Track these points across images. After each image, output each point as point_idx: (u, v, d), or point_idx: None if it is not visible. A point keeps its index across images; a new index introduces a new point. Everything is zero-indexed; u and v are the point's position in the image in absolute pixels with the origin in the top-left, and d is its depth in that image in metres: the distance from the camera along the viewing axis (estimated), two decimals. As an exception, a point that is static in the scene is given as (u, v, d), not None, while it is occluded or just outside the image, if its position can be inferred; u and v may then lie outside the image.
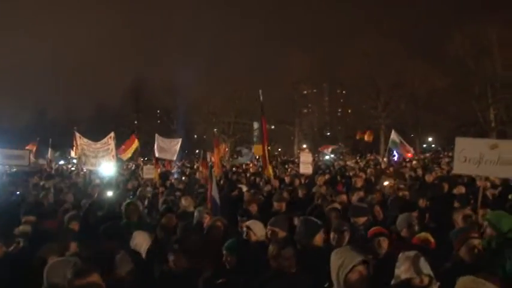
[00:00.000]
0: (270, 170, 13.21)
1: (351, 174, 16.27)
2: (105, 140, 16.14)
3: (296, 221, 6.52)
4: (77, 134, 16.98)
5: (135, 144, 23.92)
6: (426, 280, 3.53)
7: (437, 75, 49.27)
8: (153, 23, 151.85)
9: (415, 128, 54.27)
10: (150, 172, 17.37)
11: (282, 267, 4.30)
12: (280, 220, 5.93)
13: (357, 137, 36.46)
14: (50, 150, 27.84)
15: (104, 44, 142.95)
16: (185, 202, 8.72)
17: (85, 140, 16.74)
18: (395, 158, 25.27)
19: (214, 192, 8.55)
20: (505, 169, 6.89)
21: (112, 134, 16.02)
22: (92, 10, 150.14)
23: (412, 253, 3.68)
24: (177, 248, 4.59)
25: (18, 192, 12.25)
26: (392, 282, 3.64)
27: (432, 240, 5.37)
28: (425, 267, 3.57)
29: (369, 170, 16.67)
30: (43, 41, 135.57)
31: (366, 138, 35.35)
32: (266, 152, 13.28)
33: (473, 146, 7.10)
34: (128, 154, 24.68)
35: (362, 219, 6.53)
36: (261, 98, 14.56)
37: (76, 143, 16.70)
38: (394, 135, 21.03)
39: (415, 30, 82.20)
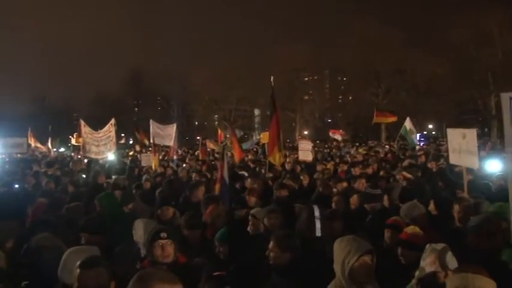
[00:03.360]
0: (278, 158, 12.98)
1: (353, 160, 16.25)
2: (106, 127, 16.20)
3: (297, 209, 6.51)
4: (82, 122, 16.92)
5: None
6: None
7: (438, 62, 49.18)
8: (154, 9, 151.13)
9: (415, 115, 54.05)
10: (148, 160, 17.07)
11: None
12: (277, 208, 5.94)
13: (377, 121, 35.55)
14: (50, 138, 27.93)
15: (103, 31, 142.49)
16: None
17: (88, 128, 16.76)
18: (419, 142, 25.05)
19: (225, 174, 8.39)
20: (468, 158, 7.11)
21: (113, 121, 16.05)
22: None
23: (439, 246, 3.56)
24: (165, 236, 4.37)
25: (17, 185, 11.71)
26: (417, 273, 3.55)
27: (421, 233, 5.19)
28: (451, 261, 3.45)
29: (370, 159, 16.48)
30: (42, 28, 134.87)
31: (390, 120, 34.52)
32: (279, 138, 13.13)
33: (455, 136, 7.28)
34: None
35: (374, 205, 6.56)
36: (273, 84, 14.37)
37: (80, 131, 16.67)
38: (408, 123, 20.90)
39: (415, 17, 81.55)
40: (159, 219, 6.65)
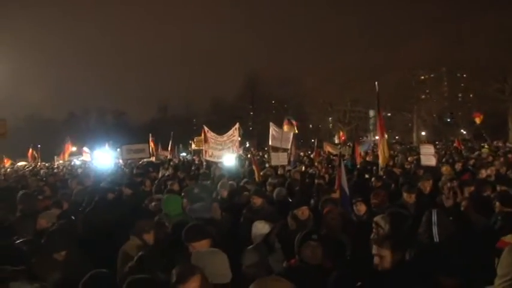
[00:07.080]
0: (383, 159, 13.18)
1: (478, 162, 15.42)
2: (230, 131, 17.10)
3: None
4: (205, 128, 17.94)
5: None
6: None
7: None
8: (267, 15, 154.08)
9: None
10: (277, 159, 16.04)
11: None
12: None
13: (477, 121, 33.73)
14: (170, 143, 29.55)
15: (219, 38, 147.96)
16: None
17: (212, 133, 17.76)
18: None
19: (343, 181, 8.34)
20: None
21: (237, 125, 16.89)
22: (210, 9, 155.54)
23: None
24: (315, 238, 4.48)
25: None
26: None
27: None
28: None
29: (498, 160, 15.42)
30: (164, 39, 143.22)
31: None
32: (383, 141, 13.39)
33: None
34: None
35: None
36: (377, 89, 14.84)
37: (205, 137, 17.67)
38: None
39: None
40: (294, 217, 6.69)
